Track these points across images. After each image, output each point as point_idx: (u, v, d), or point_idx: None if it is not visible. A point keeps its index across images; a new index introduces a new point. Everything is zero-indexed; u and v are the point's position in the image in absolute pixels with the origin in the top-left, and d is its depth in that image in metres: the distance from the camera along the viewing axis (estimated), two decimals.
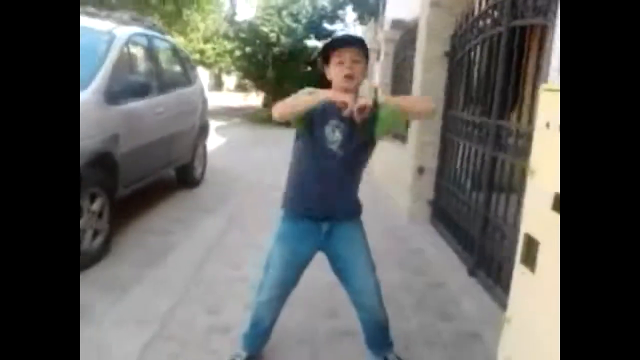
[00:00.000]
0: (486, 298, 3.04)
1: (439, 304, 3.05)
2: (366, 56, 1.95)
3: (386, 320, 2.19)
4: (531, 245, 1.52)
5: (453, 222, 4.08)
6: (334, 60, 1.89)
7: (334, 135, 1.93)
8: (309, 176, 1.98)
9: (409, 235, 4.45)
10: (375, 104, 1.85)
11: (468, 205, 3.76)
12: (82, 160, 3.11)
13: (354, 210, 2.11)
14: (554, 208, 1.41)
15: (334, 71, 1.90)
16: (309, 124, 1.94)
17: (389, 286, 3.23)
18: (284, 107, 1.90)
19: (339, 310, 2.75)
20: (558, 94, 1.51)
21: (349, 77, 1.86)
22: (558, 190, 1.39)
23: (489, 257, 3.18)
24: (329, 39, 2.07)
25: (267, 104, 19.79)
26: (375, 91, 1.91)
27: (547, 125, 1.51)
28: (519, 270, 1.58)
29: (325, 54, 1.93)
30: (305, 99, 1.87)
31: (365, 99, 1.82)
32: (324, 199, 1.97)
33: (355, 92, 1.88)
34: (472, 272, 3.40)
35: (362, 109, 1.78)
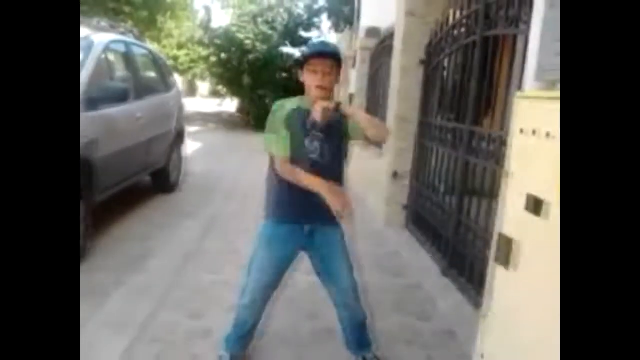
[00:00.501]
0: (459, 297, 3.14)
1: (416, 304, 3.14)
2: (339, 66, 2.04)
3: (365, 319, 2.26)
4: (506, 244, 1.61)
5: (427, 225, 4.19)
6: (308, 68, 1.99)
7: (312, 145, 2.03)
8: (291, 184, 2.02)
9: (385, 239, 4.54)
10: (338, 109, 1.98)
11: (442, 208, 3.87)
12: None
13: (333, 215, 2.13)
14: (528, 209, 1.50)
15: (308, 79, 2.01)
16: (290, 140, 2.02)
17: (368, 288, 3.33)
18: (289, 175, 2.01)
19: (321, 310, 2.80)
20: (532, 101, 1.61)
21: (320, 87, 1.98)
22: (531, 191, 1.49)
23: (462, 258, 3.28)
24: (307, 47, 2.16)
25: (242, 110, 19.79)
26: (338, 105, 2.00)
27: (521, 130, 1.60)
28: (494, 269, 1.67)
29: (301, 61, 2.04)
30: (309, 182, 1.95)
31: (327, 103, 1.95)
32: (307, 204, 1.99)
33: (327, 99, 1.99)
34: (445, 273, 3.50)
35: (325, 111, 1.93)
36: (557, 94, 1.34)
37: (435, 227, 3.97)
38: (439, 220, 3.89)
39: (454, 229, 3.49)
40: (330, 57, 2.00)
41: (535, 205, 1.43)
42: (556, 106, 1.30)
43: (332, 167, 2.07)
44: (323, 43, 2.24)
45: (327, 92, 2.00)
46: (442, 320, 2.91)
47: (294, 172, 2.00)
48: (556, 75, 1.64)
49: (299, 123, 2.02)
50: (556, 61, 1.55)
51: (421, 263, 3.87)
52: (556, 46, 1.57)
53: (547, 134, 1.41)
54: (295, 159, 2.01)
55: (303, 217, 2.07)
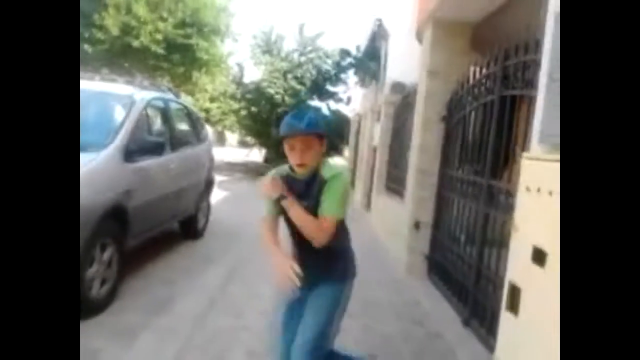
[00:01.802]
0: (480, 347, 3.13)
1: (436, 354, 3.14)
2: (322, 136, 2.02)
3: None
4: (515, 292, 1.69)
5: (448, 274, 4.22)
6: (286, 145, 1.99)
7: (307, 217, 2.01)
8: (293, 250, 2.11)
9: (406, 288, 4.57)
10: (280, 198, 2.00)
11: (462, 258, 3.91)
12: (97, 212, 3.32)
13: (332, 276, 2.10)
14: (534, 259, 1.59)
15: (287, 152, 2.01)
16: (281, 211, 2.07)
17: (388, 335, 3.36)
18: (262, 236, 2.07)
19: None
20: (537, 162, 1.74)
21: (300, 165, 1.99)
22: (537, 243, 1.58)
23: (482, 308, 3.30)
24: (282, 126, 2.05)
25: (269, 160, 20.28)
26: (282, 196, 2.00)
27: (528, 188, 1.72)
28: (505, 315, 1.74)
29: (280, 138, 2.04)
30: (266, 249, 2.01)
31: (271, 180, 2.03)
32: (304, 270, 1.92)
33: (314, 165, 2.01)
34: (466, 323, 3.51)
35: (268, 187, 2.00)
36: (558, 156, 1.46)
37: (456, 277, 3.99)
38: (460, 270, 3.92)
39: (475, 280, 3.52)
40: (306, 133, 1.96)
41: (539, 256, 1.52)
42: (557, 166, 1.42)
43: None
44: (294, 117, 2.04)
45: (305, 161, 1.98)
46: None
47: (262, 235, 2.05)
48: (557, 140, 1.76)
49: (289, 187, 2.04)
50: (556, 127, 1.67)
51: (442, 313, 3.87)
52: (554, 113, 1.70)
53: (550, 192, 1.52)
54: (288, 229, 2.08)
55: (304, 282, 1.94)
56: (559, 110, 1.61)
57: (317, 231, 1.95)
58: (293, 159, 1.99)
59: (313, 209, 1.99)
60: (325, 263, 2.06)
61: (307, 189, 2.02)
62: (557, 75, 1.93)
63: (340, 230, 2.09)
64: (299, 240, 2.05)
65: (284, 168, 2.14)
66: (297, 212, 1.98)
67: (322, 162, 2.06)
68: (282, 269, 1.86)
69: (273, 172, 2.15)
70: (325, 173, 2.02)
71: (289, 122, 2.01)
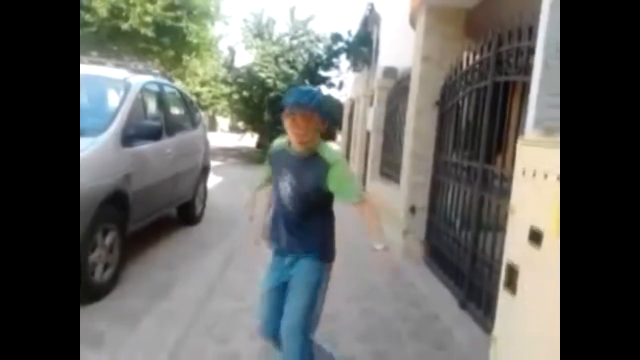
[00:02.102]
0: (476, 328, 3.24)
1: (433, 334, 3.25)
2: (321, 113, 2.05)
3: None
4: (512, 272, 1.77)
5: (444, 258, 4.32)
6: (287, 114, 2.01)
7: (286, 190, 2.13)
8: (277, 218, 2.22)
9: (402, 272, 4.66)
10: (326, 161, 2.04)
11: (458, 242, 4.00)
12: (99, 197, 3.35)
13: (311, 252, 2.17)
14: (531, 240, 1.66)
15: (286, 124, 2.03)
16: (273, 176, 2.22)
17: (386, 317, 3.45)
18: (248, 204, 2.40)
19: (337, 336, 2.93)
20: (531, 146, 1.80)
21: (300, 142, 2.03)
22: (534, 224, 1.66)
23: (478, 290, 3.40)
24: (287, 95, 2.12)
25: (261, 145, 20.28)
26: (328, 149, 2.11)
27: (523, 172, 1.79)
28: (502, 295, 1.82)
29: (282, 108, 2.07)
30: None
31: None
32: (287, 239, 2.15)
33: (311, 144, 2.06)
34: (463, 305, 3.61)
35: None
36: (554, 140, 1.53)
37: (452, 261, 4.09)
38: (456, 253, 4.02)
39: (470, 263, 3.61)
40: (309, 108, 2.00)
41: (535, 237, 1.60)
42: (553, 150, 1.49)
43: (299, 210, 2.12)
44: (301, 92, 2.11)
45: (304, 138, 2.03)
46: (459, 350, 3.02)
47: (251, 204, 2.31)
48: (550, 124, 1.83)
49: (278, 162, 2.17)
50: (549, 113, 1.75)
51: (438, 295, 3.98)
52: (548, 100, 1.77)
53: (545, 175, 1.59)
54: (275, 195, 2.20)
55: (286, 250, 2.18)
56: (554, 96, 1.68)
57: (371, 210, 2.14)
58: (294, 134, 2.02)
59: (310, 187, 2.06)
60: (307, 237, 2.15)
61: (305, 168, 2.07)
62: (553, 62, 1.99)
63: (326, 212, 2.21)
64: (286, 212, 2.16)
65: (283, 142, 2.19)
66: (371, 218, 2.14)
67: (321, 144, 2.10)
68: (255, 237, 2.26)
69: (276, 144, 2.25)
70: (326, 156, 2.06)
71: (296, 96, 2.03)
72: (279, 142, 2.24)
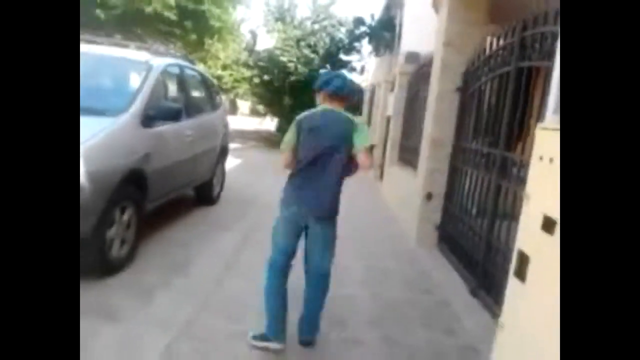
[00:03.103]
0: (486, 316, 3.22)
1: (443, 320, 3.24)
2: (351, 94, 2.70)
3: (320, 309, 2.70)
4: (523, 259, 1.74)
5: (458, 245, 4.29)
6: (325, 95, 2.63)
7: (314, 148, 2.51)
8: (301, 180, 2.58)
9: (416, 258, 4.66)
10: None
11: (473, 229, 3.97)
12: (117, 176, 3.41)
13: (332, 212, 2.62)
14: (544, 228, 1.64)
15: (321, 100, 2.65)
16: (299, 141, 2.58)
17: (397, 302, 3.46)
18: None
19: (348, 320, 2.95)
20: (551, 132, 1.76)
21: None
22: (547, 212, 1.63)
23: (491, 278, 3.37)
24: (326, 82, 2.65)
25: (281, 129, 20.30)
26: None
27: (541, 158, 1.75)
28: (512, 282, 1.80)
29: (319, 90, 2.65)
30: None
31: None
32: (312, 200, 2.55)
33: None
34: (474, 293, 3.59)
35: None
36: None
37: (466, 248, 4.06)
38: (470, 241, 3.99)
39: (485, 251, 3.58)
40: (345, 95, 2.62)
41: (548, 225, 1.57)
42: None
43: (326, 170, 2.51)
44: (342, 80, 2.67)
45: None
46: (467, 337, 3.01)
47: (281, 165, 2.69)
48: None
49: (309, 122, 2.55)
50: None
51: (451, 282, 3.96)
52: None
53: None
54: (302, 154, 2.54)
55: (303, 204, 2.57)
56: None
57: (366, 160, 2.52)
58: (328, 105, 2.60)
59: (337, 138, 2.51)
60: (329, 198, 2.55)
61: (335, 122, 2.53)
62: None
63: (344, 171, 2.58)
64: (311, 171, 2.53)
65: (309, 112, 2.62)
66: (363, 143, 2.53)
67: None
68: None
69: (298, 118, 2.63)
70: (351, 116, 2.58)
71: (337, 82, 2.61)
72: (305, 112, 2.64)
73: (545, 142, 1.73)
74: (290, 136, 2.61)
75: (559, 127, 1.82)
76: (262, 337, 2.63)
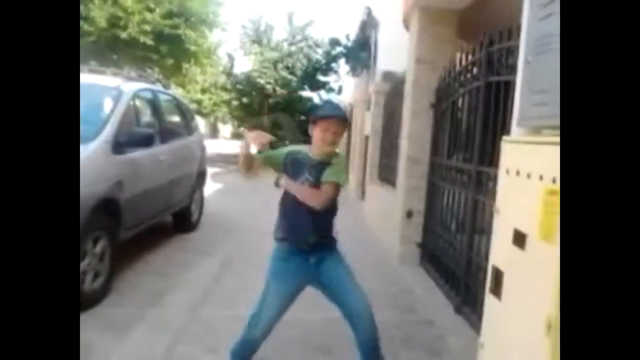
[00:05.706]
0: (471, 334, 3.17)
1: (427, 340, 3.19)
2: (346, 125, 2.37)
3: (378, 339, 2.36)
4: (498, 275, 1.72)
5: (440, 262, 4.26)
6: (321, 125, 2.24)
7: (303, 187, 2.26)
8: (294, 220, 2.29)
9: (399, 276, 4.61)
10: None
11: (453, 246, 3.95)
12: (88, 205, 3.31)
13: (331, 244, 2.39)
14: (515, 242, 1.62)
15: (318, 134, 2.25)
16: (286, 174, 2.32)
17: (380, 322, 3.39)
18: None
19: (333, 346, 2.88)
20: (516, 145, 1.76)
21: (331, 143, 2.26)
22: (518, 226, 1.61)
23: (473, 295, 3.34)
24: (320, 108, 2.48)
25: (261, 152, 20.30)
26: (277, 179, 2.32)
27: (507, 171, 1.75)
28: (489, 299, 1.77)
29: (315, 118, 2.30)
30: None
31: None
32: (310, 238, 2.26)
33: (334, 149, 2.30)
34: (458, 310, 3.55)
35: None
36: (537, 139, 1.49)
37: (447, 265, 4.04)
38: (451, 257, 3.96)
39: (465, 266, 3.56)
40: (342, 118, 2.31)
41: (519, 239, 1.55)
42: (536, 149, 1.45)
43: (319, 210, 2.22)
44: (335, 107, 2.50)
45: (334, 145, 2.29)
46: (451, 357, 2.96)
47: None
48: (534, 123, 1.78)
49: (296, 164, 2.30)
50: (533, 111, 1.70)
51: (434, 300, 3.92)
52: (532, 97, 1.72)
53: (528, 175, 1.54)
54: (292, 197, 2.26)
55: (310, 248, 2.28)
56: (537, 93, 1.63)
57: (315, 195, 2.22)
58: (325, 140, 2.23)
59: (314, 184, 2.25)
60: (327, 232, 2.33)
61: (321, 168, 2.25)
62: (533, 59, 1.95)
63: (335, 206, 2.34)
64: (303, 210, 2.22)
65: (300, 148, 2.40)
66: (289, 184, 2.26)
67: (338, 153, 2.36)
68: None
69: (292, 148, 2.43)
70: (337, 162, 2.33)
71: (332, 107, 2.42)
72: (294, 147, 2.44)
73: (511, 154, 1.73)
74: (275, 152, 2.45)
75: (523, 139, 1.83)
76: None
